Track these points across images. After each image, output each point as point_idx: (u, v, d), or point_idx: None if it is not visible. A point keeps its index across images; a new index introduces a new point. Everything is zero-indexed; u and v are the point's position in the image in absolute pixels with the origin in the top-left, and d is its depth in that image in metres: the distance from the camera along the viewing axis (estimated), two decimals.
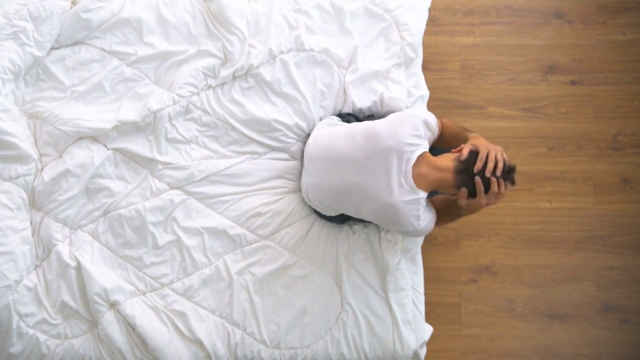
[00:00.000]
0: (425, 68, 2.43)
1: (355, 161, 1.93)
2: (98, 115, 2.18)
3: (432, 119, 1.91)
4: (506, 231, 2.58)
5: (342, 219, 2.18)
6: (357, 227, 2.24)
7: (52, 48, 2.22)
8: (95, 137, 2.19)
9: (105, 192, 2.19)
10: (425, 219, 1.88)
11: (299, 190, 2.24)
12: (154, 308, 2.15)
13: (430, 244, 2.55)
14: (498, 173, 1.74)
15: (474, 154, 1.78)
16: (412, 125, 1.87)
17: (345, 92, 2.25)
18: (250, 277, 2.17)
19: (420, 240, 2.33)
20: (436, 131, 1.92)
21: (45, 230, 2.15)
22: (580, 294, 2.58)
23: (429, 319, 2.47)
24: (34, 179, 2.15)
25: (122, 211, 2.19)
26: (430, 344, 2.40)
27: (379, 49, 2.28)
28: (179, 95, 2.19)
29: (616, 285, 2.58)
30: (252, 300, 2.16)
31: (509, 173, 1.76)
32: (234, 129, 2.22)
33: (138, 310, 2.12)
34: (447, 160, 1.82)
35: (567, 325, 2.57)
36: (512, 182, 1.77)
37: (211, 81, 2.23)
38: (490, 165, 1.73)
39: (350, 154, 1.95)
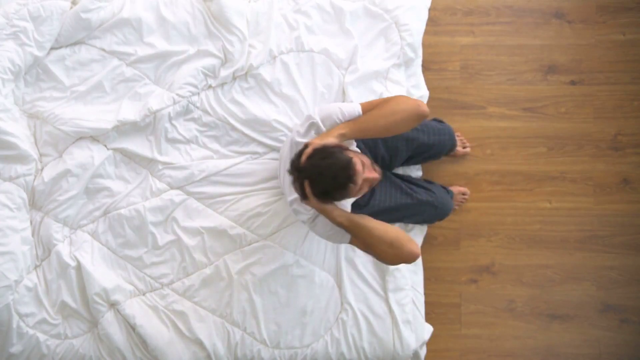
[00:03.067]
0: (425, 68, 2.43)
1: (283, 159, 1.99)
2: (98, 115, 2.18)
3: (316, 116, 1.83)
4: (506, 231, 2.58)
5: None
6: None
7: (52, 48, 2.23)
8: (95, 137, 2.19)
9: (105, 192, 2.19)
10: (308, 212, 1.88)
11: None
12: (154, 308, 2.15)
13: (430, 244, 2.55)
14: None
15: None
16: (302, 121, 1.90)
17: (344, 92, 2.25)
18: (250, 277, 2.17)
19: (419, 240, 2.34)
20: (322, 129, 1.84)
21: (45, 230, 2.15)
22: (580, 294, 2.57)
23: (429, 319, 2.47)
24: (34, 179, 2.15)
25: (122, 211, 2.19)
26: (430, 344, 2.40)
27: (379, 49, 2.28)
28: (179, 95, 2.19)
29: (616, 285, 2.58)
30: (252, 300, 2.16)
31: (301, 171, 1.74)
32: (234, 129, 2.22)
33: (138, 310, 2.12)
34: None
35: (567, 325, 2.57)
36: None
37: (211, 81, 2.23)
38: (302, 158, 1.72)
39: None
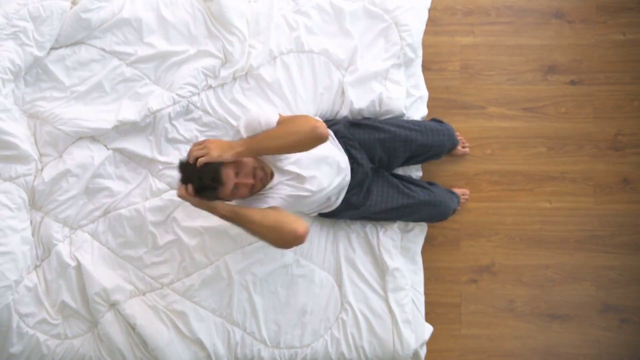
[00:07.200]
0: (425, 68, 2.43)
1: None
2: (98, 115, 2.18)
3: (241, 123, 1.91)
4: (506, 231, 2.58)
5: (331, 214, 2.18)
6: (356, 227, 2.25)
7: (52, 48, 2.23)
8: (95, 137, 2.19)
9: (105, 192, 2.19)
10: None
11: None
12: (154, 308, 2.15)
13: (430, 244, 2.55)
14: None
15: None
16: (237, 124, 1.96)
17: (344, 92, 2.24)
18: (251, 277, 2.17)
19: (420, 240, 2.33)
20: (242, 136, 1.90)
21: (46, 230, 2.15)
22: (580, 294, 2.57)
23: (429, 319, 2.47)
24: (34, 179, 2.15)
25: (122, 211, 2.19)
26: (430, 343, 2.40)
27: (379, 50, 2.28)
28: (179, 96, 2.19)
29: (616, 285, 2.58)
30: (252, 299, 2.16)
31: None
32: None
33: (138, 310, 2.12)
34: None
35: (567, 325, 2.57)
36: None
37: (211, 81, 2.23)
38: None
39: None
